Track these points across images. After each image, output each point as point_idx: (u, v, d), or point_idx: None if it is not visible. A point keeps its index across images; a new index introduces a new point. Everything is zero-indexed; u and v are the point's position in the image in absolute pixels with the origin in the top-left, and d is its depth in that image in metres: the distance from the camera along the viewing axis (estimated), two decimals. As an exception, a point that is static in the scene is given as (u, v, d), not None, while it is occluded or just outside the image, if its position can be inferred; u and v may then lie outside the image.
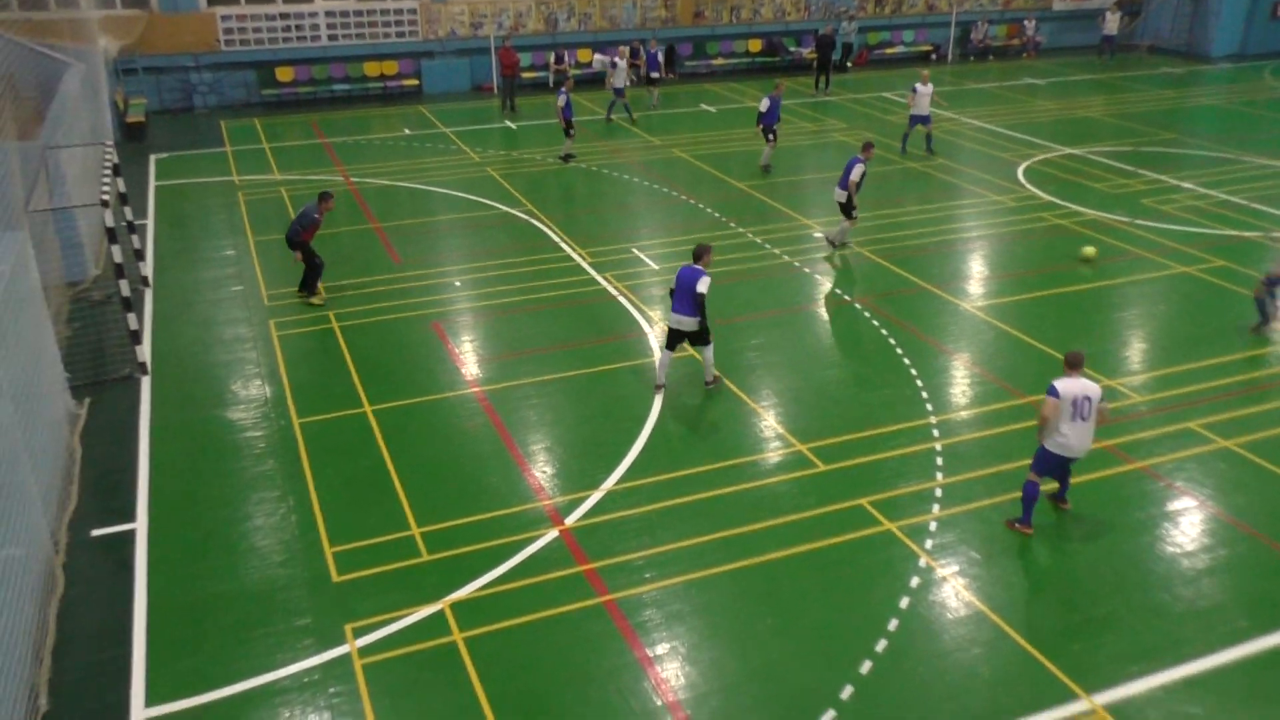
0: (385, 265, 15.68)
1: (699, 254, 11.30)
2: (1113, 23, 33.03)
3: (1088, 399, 8.71)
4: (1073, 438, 8.79)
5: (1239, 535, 9.15)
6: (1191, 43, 34.64)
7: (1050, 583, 8.59)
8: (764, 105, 20.48)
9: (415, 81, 28.21)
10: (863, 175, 15.62)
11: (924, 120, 21.57)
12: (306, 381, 12.10)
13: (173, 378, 12.24)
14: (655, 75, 26.62)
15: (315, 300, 14.19)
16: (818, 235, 16.80)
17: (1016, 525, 9.21)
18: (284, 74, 26.93)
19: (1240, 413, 11.16)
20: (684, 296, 11.12)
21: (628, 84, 24.87)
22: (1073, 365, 8.85)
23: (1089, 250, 15.69)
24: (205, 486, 10.04)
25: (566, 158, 21.18)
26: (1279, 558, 8.85)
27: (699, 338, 11.41)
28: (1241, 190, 19.16)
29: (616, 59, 24.84)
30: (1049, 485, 9.46)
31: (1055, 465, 9.09)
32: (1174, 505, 9.60)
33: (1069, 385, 8.72)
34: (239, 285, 14.85)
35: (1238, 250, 16.01)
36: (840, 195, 15.83)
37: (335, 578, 8.65)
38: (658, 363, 11.94)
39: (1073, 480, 9.61)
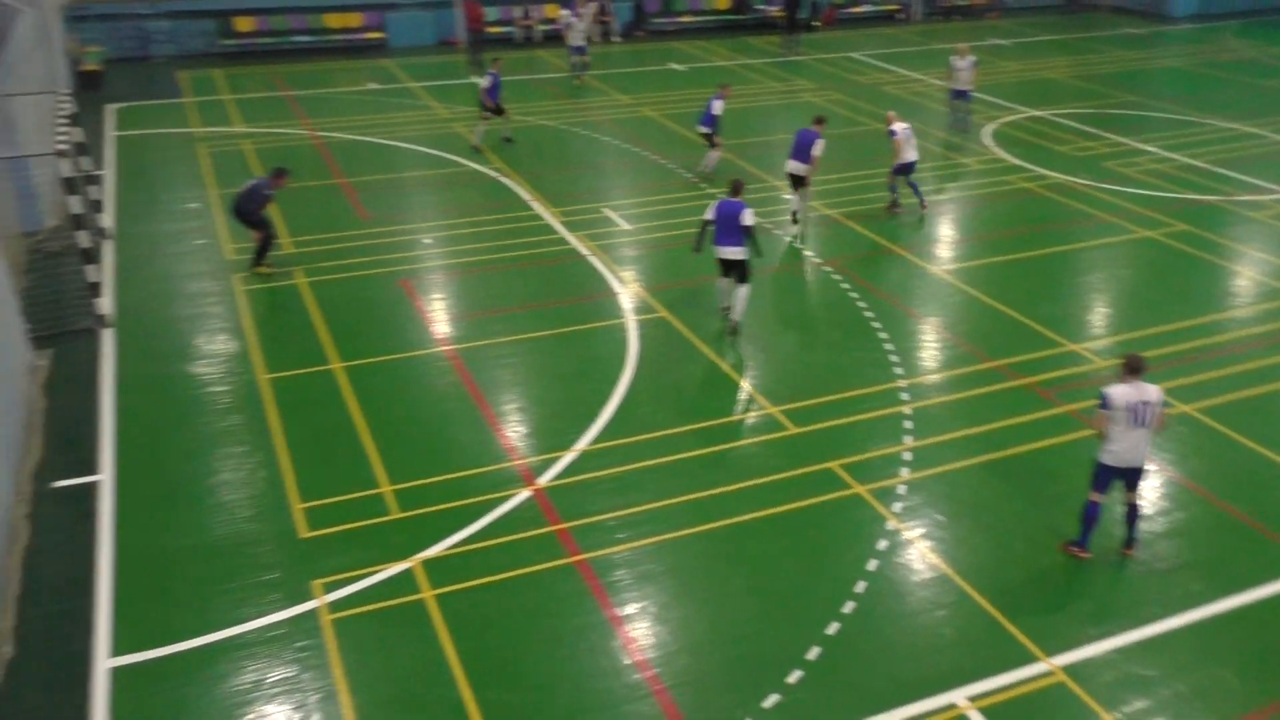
0: (353, 221, 15.46)
1: (737, 188, 11.99)
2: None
3: (1146, 404, 7.99)
4: (1124, 445, 8.04)
5: (1195, 499, 9.38)
6: (1153, 2, 34.79)
7: (1013, 545, 8.75)
8: (717, 108, 17.54)
9: (379, 34, 27.63)
10: (822, 149, 15.16)
11: (964, 96, 20.40)
12: (273, 337, 11.95)
13: (135, 331, 12.04)
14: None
15: (263, 269, 13.70)
16: (787, 197, 16.78)
17: (1071, 549, 8.54)
18: (244, 24, 26.26)
19: (1199, 377, 11.38)
20: (731, 229, 11.72)
21: (588, 41, 24.46)
22: (1133, 370, 8.06)
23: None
24: (171, 440, 9.93)
25: (506, 140, 19.50)
26: (1233, 521, 9.09)
27: (743, 273, 11.92)
28: (1204, 154, 19.39)
29: (575, 15, 24.45)
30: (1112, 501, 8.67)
31: (1114, 478, 8.26)
32: (1134, 468, 9.80)
33: (1125, 393, 7.98)
34: (202, 239, 14.58)
35: (1200, 214, 16.24)
36: (800, 169, 15.11)
37: (303, 533, 8.63)
38: (718, 289, 12.44)
39: (1037, 445, 9.77)
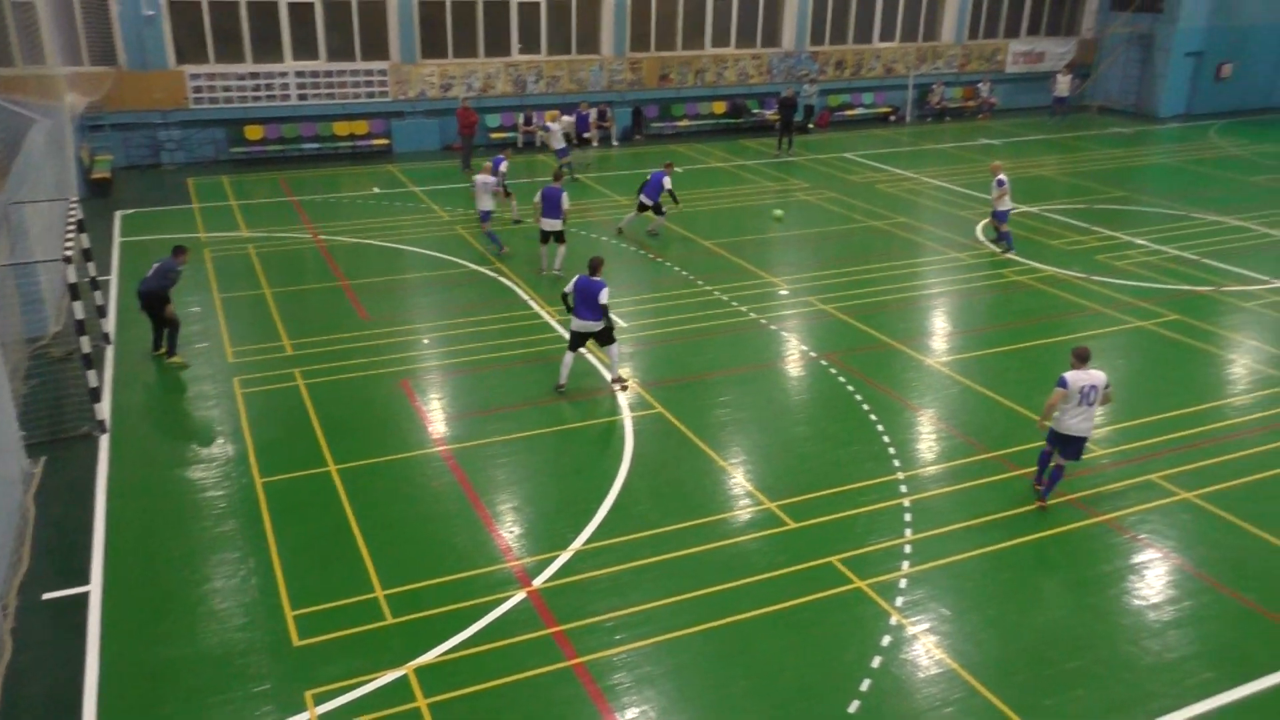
0: (353, 322, 15.61)
1: (595, 266, 13.01)
2: (1064, 84, 34.05)
3: (1094, 387, 10.00)
4: (1072, 419, 10.08)
5: (1202, 587, 9.22)
6: (1140, 103, 35.75)
7: (1020, 638, 8.58)
8: (667, 183, 19.63)
9: (385, 141, 28.37)
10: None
11: (1000, 217, 19.03)
12: (270, 440, 11.95)
13: (133, 436, 12.04)
14: (586, 136, 26.91)
15: (177, 360, 13.88)
16: (784, 293, 16.98)
17: (1038, 485, 10.61)
18: (253, 132, 26.99)
19: (1199, 464, 11.32)
20: (589, 304, 12.67)
21: (568, 145, 25.36)
22: (1081, 359, 10.09)
23: (778, 213, 19.81)
24: (164, 548, 9.83)
25: (515, 223, 21.12)
26: (1241, 608, 8.93)
27: (605, 337, 12.92)
28: (1192, 246, 19.65)
29: (548, 123, 25.45)
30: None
31: (1056, 441, 10.29)
32: (1139, 558, 9.68)
33: (1077, 377, 9.99)
34: (204, 342, 14.71)
35: (1192, 304, 16.38)
36: (553, 224, 17.33)
37: (296, 642, 8.47)
38: (563, 364, 13.18)
39: (1039, 535, 9.67)
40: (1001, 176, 18.59)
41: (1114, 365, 14.21)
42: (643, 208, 19.87)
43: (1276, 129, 33.48)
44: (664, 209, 19.74)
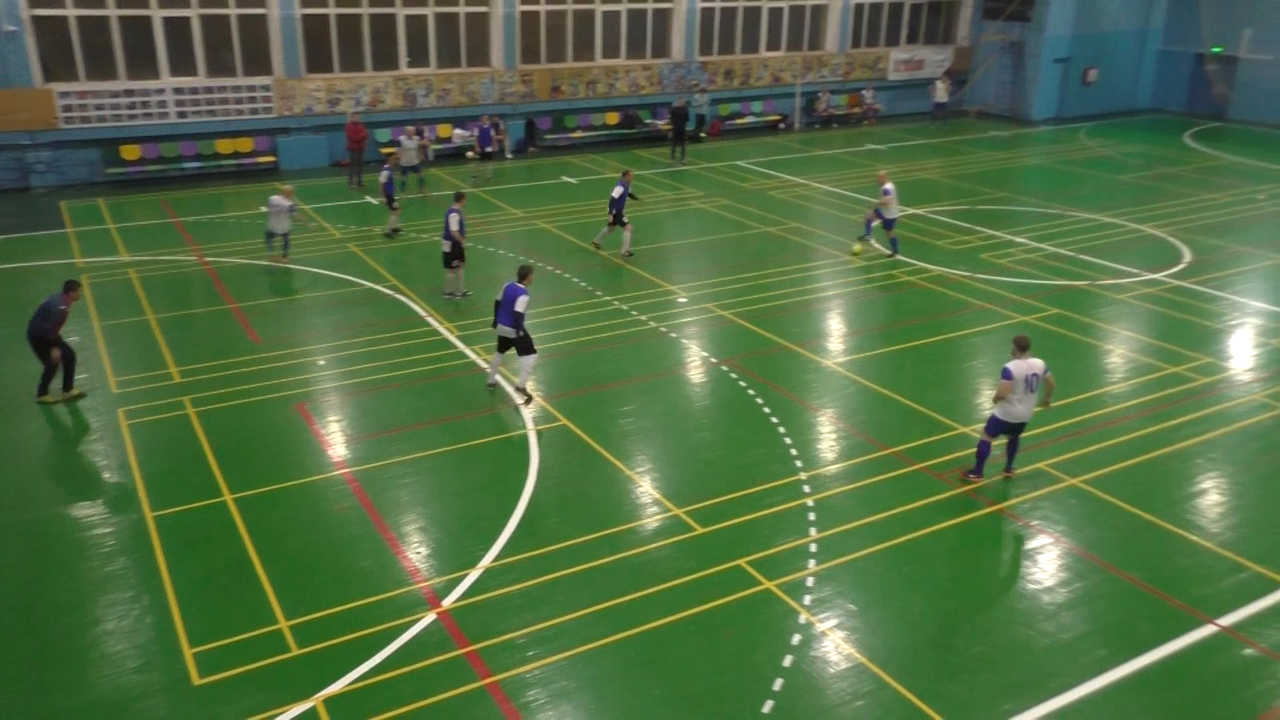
0: (245, 346, 15.14)
1: (523, 274, 13.05)
2: (943, 90, 35.31)
3: (1035, 375, 10.56)
4: (1021, 407, 10.62)
5: (1092, 567, 9.65)
6: (1015, 108, 37.33)
7: (924, 628, 8.83)
8: (616, 191, 19.54)
9: (271, 158, 27.62)
10: (460, 223, 16.57)
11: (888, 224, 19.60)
12: (160, 472, 11.49)
13: (10, 476, 11.42)
14: (489, 150, 26.71)
15: (75, 393, 13.27)
16: (682, 300, 17.14)
17: (970, 475, 11.09)
18: (130, 152, 25.94)
19: (1084, 451, 11.85)
20: (506, 310, 12.81)
21: (421, 160, 24.75)
22: (1022, 347, 10.62)
23: (856, 248, 19.73)
24: (48, 592, 9.34)
25: (392, 233, 21.04)
26: (1129, 586, 9.37)
27: (522, 347, 12.97)
28: (1068, 243, 20.60)
29: (403, 136, 24.77)
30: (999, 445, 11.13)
31: (1005, 429, 10.83)
32: (1032, 544, 10.08)
33: (1019, 366, 10.50)
34: (83, 373, 14.05)
35: (1070, 298, 17.15)
36: (446, 245, 16.70)
37: (197, 680, 8.15)
38: (489, 365, 13.59)
39: (938, 527, 9.98)
40: (888, 185, 19.07)
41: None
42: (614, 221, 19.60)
43: (1139, 129, 35.38)
44: (626, 220, 19.50)
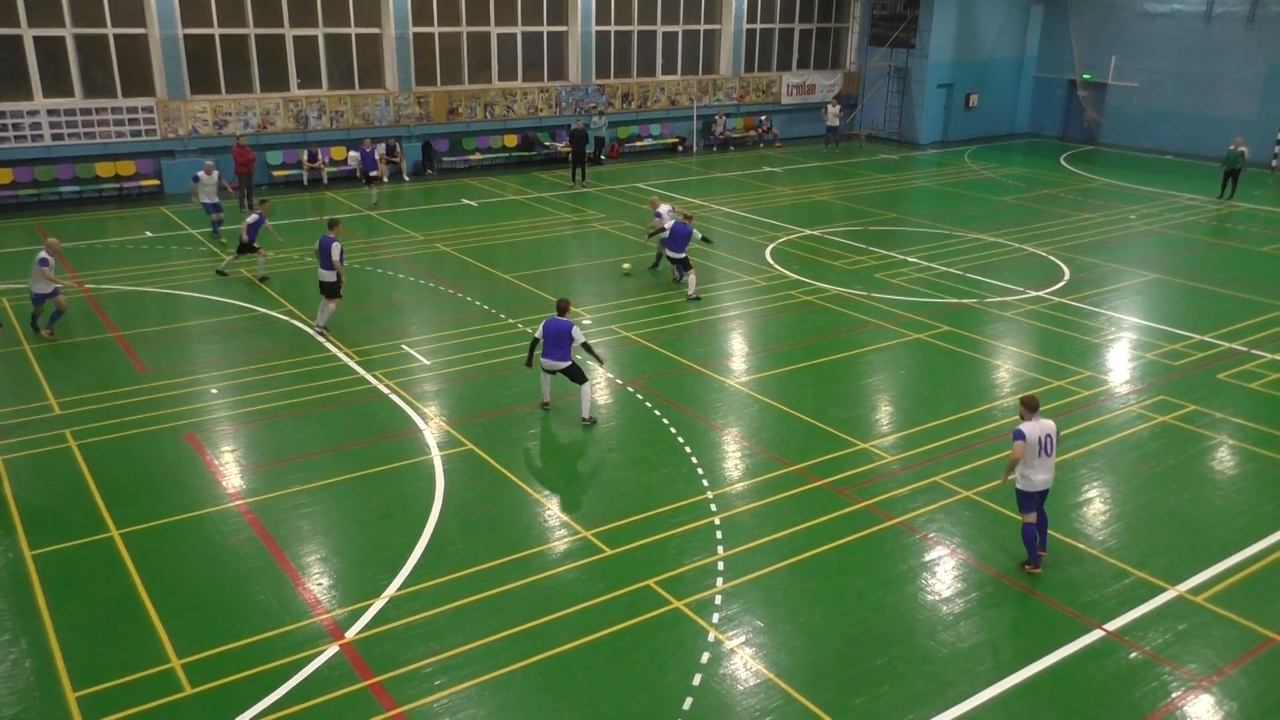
0: (129, 376, 14.53)
1: (564, 308, 13.24)
2: (834, 114, 36.35)
3: (1049, 436, 9.66)
4: (1038, 474, 9.66)
5: (986, 578, 9.97)
6: (902, 132, 38.66)
7: (828, 641, 8.98)
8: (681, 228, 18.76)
9: (156, 182, 26.67)
10: (341, 253, 16.04)
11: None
12: (40, 508, 10.91)
13: None
14: (374, 174, 26.17)
15: None
16: (587, 322, 17.16)
17: (1026, 568, 10.01)
18: (2, 176, 24.72)
19: (976, 464, 12.26)
20: (559, 344, 12.96)
21: (222, 196, 22.37)
22: (1031, 408, 9.66)
23: (626, 266, 20.05)
24: (-84, 641, 8.77)
25: (220, 273, 19.48)
26: (1019, 594, 9.71)
27: (576, 377, 13.16)
28: (957, 262, 21.38)
29: (201, 172, 21.77)
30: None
31: (1033, 503, 9.84)
32: (930, 555, 10.36)
33: (1032, 428, 9.57)
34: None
35: (960, 316, 17.79)
36: (328, 275, 16.07)
37: (82, 728, 7.75)
38: (542, 386, 13.64)
39: (841, 542, 10.20)
40: (661, 209, 19.78)
41: (895, 376, 15.21)
42: (672, 260, 19.02)
43: (1018, 153, 37.03)
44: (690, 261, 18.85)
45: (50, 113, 25.03)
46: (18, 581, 9.59)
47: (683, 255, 18.78)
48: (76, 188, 25.58)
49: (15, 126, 24.68)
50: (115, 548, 10.17)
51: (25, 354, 15.25)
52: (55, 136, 25.21)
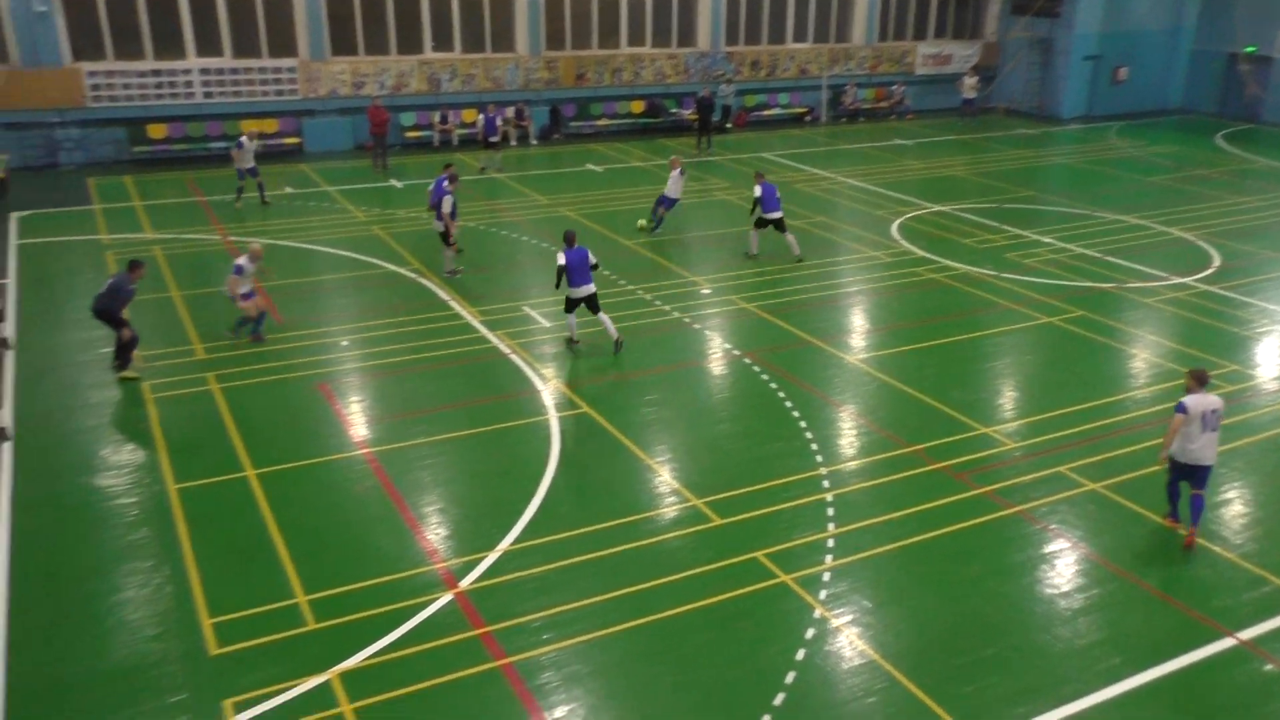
0: (268, 326, 15.22)
1: (572, 238, 14.32)
2: (970, 87, 35.04)
3: (1215, 411, 9.58)
4: (1197, 447, 9.59)
5: (1109, 574, 9.59)
6: (1043, 106, 37.02)
7: (937, 627, 8.81)
8: (758, 192, 18.46)
9: (296, 140, 27.75)
10: (454, 206, 17.05)
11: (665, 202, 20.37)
12: (183, 445, 11.60)
13: (36, 444, 11.56)
14: (494, 140, 26.37)
15: (130, 374, 13.21)
16: (706, 292, 17.12)
17: (1168, 519, 10.21)
18: (156, 131, 26.11)
19: (1104, 456, 11.77)
20: (585, 270, 14.16)
21: (252, 168, 21.82)
22: (1200, 381, 9.65)
23: (641, 223, 20.50)
24: (71, 559, 9.47)
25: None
26: (1145, 595, 9.32)
27: (597, 303, 14.41)
28: (1095, 244, 20.43)
29: (244, 138, 21.58)
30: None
31: (1183, 473, 9.83)
32: (1049, 548, 10.02)
33: (1197, 401, 9.52)
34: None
35: (1096, 301, 17.02)
36: (439, 225, 17.15)
37: (214, 650, 8.25)
38: (569, 324, 14.60)
39: (955, 527, 9.97)
40: (678, 169, 20.09)
41: (1022, 360, 14.69)
42: (766, 223, 18.62)
43: (1169, 130, 35.00)
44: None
45: (202, 71, 26.28)
46: (162, 512, 10.24)
47: (778, 215, 18.63)
48: (224, 144, 26.81)
49: (171, 85, 26.01)
50: (250, 487, 10.74)
51: (174, 301, 16.15)
52: (206, 94, 26.47)
